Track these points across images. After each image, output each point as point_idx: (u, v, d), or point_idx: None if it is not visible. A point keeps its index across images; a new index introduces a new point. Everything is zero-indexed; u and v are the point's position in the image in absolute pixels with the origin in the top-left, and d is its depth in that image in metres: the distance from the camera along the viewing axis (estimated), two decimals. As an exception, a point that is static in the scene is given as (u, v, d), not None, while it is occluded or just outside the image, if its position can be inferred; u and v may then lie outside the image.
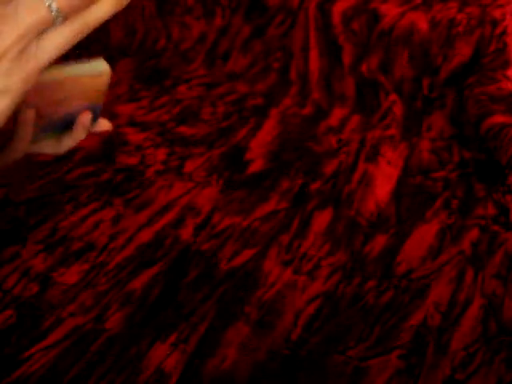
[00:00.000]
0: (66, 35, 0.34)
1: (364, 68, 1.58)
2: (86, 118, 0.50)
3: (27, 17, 0.32)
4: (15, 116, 0.45)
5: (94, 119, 0.51)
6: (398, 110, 1.55)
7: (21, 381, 0.90)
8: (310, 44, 1.66)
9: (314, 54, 1.66)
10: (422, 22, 1.48)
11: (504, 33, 1.42)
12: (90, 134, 0.52)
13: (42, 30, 0.33)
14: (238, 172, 1.39)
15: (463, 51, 1.45)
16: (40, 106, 0.45)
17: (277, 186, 1.34)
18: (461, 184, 1.33)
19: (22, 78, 0.33)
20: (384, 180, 1.36)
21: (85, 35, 0.35)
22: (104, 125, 0.53)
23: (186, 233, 1.20)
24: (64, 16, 0.33)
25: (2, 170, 0.49)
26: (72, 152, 1.47)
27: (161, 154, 1.45)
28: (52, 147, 0.52)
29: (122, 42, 1.97)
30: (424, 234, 1.20)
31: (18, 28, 0.31)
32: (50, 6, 0.32)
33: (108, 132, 0.53)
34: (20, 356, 0.94)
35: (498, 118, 1.35)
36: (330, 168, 1.40)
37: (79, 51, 0.48)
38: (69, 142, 0.51)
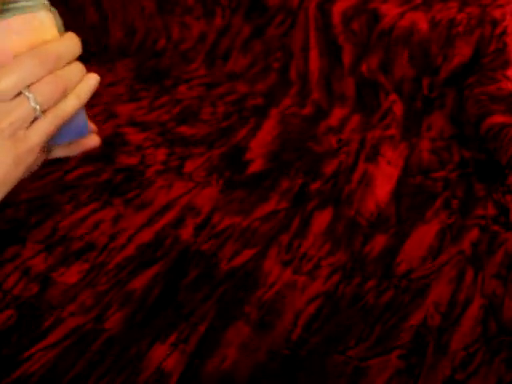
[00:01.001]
0: (48, 123, 0.42)
1: (364, 68, 1.58)
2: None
3: (17, 113, 0.40)
4: None
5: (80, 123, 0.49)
6: (398, 109, 1.55)
7: (21, 381, 0.90)
8: (310, 44, 1.66)
9: (314, 54, 1.67)
10: (422, 22, 1.48)
11: (504, 33, 1.42)
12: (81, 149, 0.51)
13: (28, 120, 0.41)
14: (237, 172, 1.39)
15: (463, 51, 1.45)
16: None
17: (277, 186, 1.34)
18: (461, 184, 1.33)
19: (13, 158, 0.41)
20: (384, 180, 1.36)
21: (63, 121, 0.44)
22: (93, 140, 0.52)
23: (186, 233, 1.20)
24: (44, 109, 0.41)
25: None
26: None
27: (161, 154, 1.45)
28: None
29: (121, 42, 1.98)
30: (424, 234, 1.20)
31: (9, 117, 0.40)
32: (32, 102, 0.40)
33: (95, 148, 0.53)
34: (20, 356, 0.94)
35: (498, 118, 1.35)
36: (330, 168, 1.40)
37: None
38: (59, 153, 0.51)
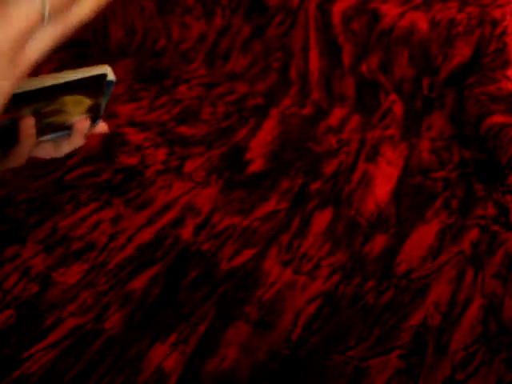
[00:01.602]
0: (53, 35, 0.33)
1: (364, 68, 1.58)
2: (83, 125, 0.50)
3: (22, 20, 0.31)
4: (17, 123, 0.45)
5: (96, 118, 0.51)
6: (398, 109, 1.55)
7: (21, 381, 0.90)
8: (310, 44, 1.66)
9: (314, 54, 1.66)
10: (422, 22, 1.48)
11: (504, 33, 1.42)
12: (89, 136, 0.52)
13: (35, 32, 0.32)
14: (237, 172, 1.39)
15: (463, 51, 1.45)
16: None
17: (277, 186, 1.34)
18: (461, 184, 1.33)
19: (12, 82, 0.32)
20: (384, 180, 1.36)
21: (69, 34, 0.34)
22: (101, 127, 0.53)
23: (186, 233, 1.20)
24: (51, 17, 0.32)
25: (2, 172, 0.50)
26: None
27: (161, 154, 1.45)
28: (50, 151, 0.52)
29: (121, 42, 1.97)
30: (424, 234, 1.20)
31: (13, 32, 0.30)
32: (42, 7, 0.31)
33: (106, 134, 0.53)
34: (20, 356, 0.94)
35: (498, 118, 1.35)
36: (330, 168, 1.40)
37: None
38: (67, 148, 0.52)
